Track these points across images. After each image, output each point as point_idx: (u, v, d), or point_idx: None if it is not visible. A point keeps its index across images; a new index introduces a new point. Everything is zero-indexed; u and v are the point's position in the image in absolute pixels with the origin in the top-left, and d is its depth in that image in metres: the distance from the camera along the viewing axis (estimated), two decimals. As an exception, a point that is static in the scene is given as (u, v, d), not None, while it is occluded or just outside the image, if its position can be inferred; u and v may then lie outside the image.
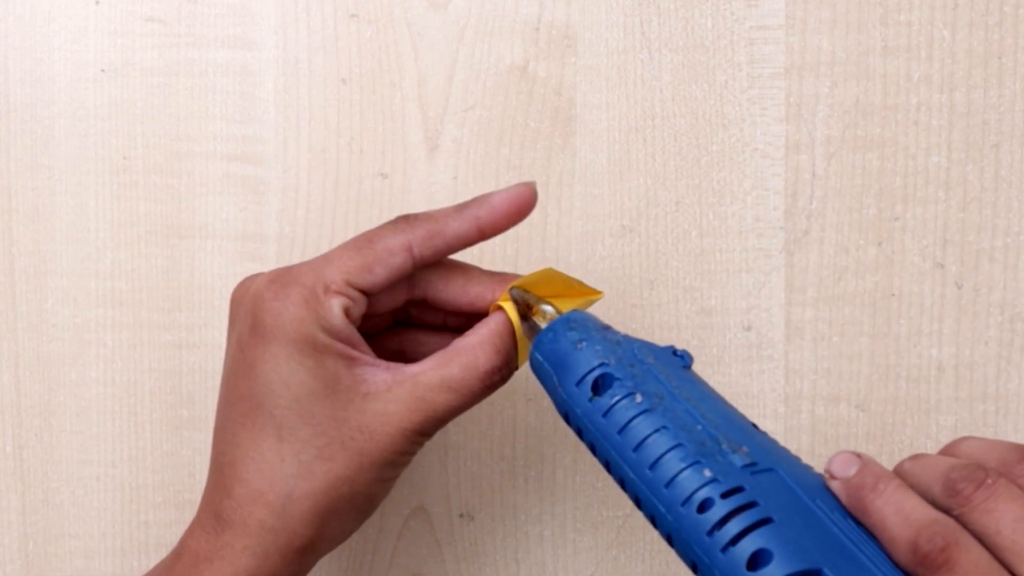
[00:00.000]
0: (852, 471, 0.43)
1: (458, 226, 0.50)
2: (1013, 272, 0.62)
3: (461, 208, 0.50)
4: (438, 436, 0.62)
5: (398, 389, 0.48)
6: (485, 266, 0.62)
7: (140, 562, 0.62)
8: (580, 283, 0.53)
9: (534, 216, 0.62)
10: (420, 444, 0.50)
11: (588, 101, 0.62)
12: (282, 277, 0.49)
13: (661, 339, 0.62)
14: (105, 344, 0.62)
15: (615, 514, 0.63)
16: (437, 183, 0.62)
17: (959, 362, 0.62)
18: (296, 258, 0.61)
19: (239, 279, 0.53)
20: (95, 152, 0.62)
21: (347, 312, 0.49)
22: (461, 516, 0.63)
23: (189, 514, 0.53)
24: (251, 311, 0.49)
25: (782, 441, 0.62)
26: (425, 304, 0.53)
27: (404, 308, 0.53)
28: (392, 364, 0.49)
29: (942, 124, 0.62)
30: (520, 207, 0.51)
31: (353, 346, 0.49)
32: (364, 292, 0.49)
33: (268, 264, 0.62)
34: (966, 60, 0.61)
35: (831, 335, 0.62)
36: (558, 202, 0.62)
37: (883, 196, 0.62)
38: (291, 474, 0.48)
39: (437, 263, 0.52)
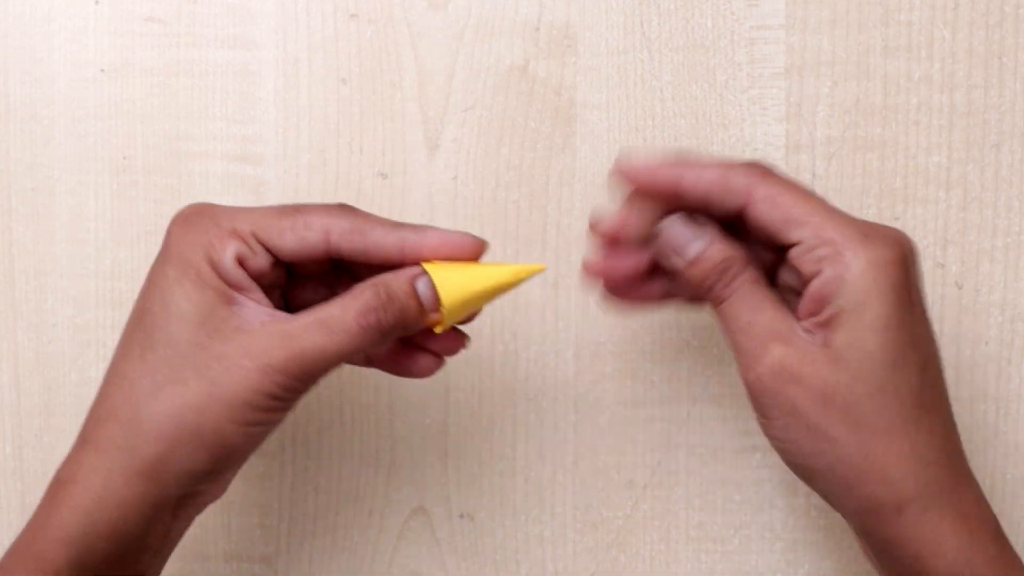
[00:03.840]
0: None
1: (382, 236, 0.49)
2: (1013, 272, 0.62)
3: (398, 225, 0.50)
4: (438, 436, 0.63)
5: (271, 327, 0.48)
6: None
7: (140, 562, 0.62)
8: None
9: (534, 217, 0.62)
10: (286, 391, 0.48)
11: (588, 101, 0.62)
12: (204, 209, 0.50)
13: (662, 340, 0.62)
14: (105, 344, 0.62)
15: (615, 514, 0.63)
16: (437, 183, 0.62)
17: (959, 362, 0.62)
18: (296, 258, 0.61)
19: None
20: (95, 152, 0.62)
21: (241, 259, 0.49)
22: (461, 516, 0.63)
23: (189, 514, 0.53)
24: (169, 231, 0.50)
25: (782, 441, 0.62)
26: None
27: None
28: (277, 312, 0.49)
29: (942, 124, 0.62)
30: (455, 250, 0.50)
31: (239, 290, 0.49)
32: (269, 250, 0.49)
33: (268, 264, 0.62)
34: (967, 60, 0.61)
35: (831, 335, 0.62)
36: (558, 202, 0.62)
37: (883, 196, 0.62)
38: (143, 392, 0.47)
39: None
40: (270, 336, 0.48)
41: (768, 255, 0.52)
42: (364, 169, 0.62)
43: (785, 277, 0.52)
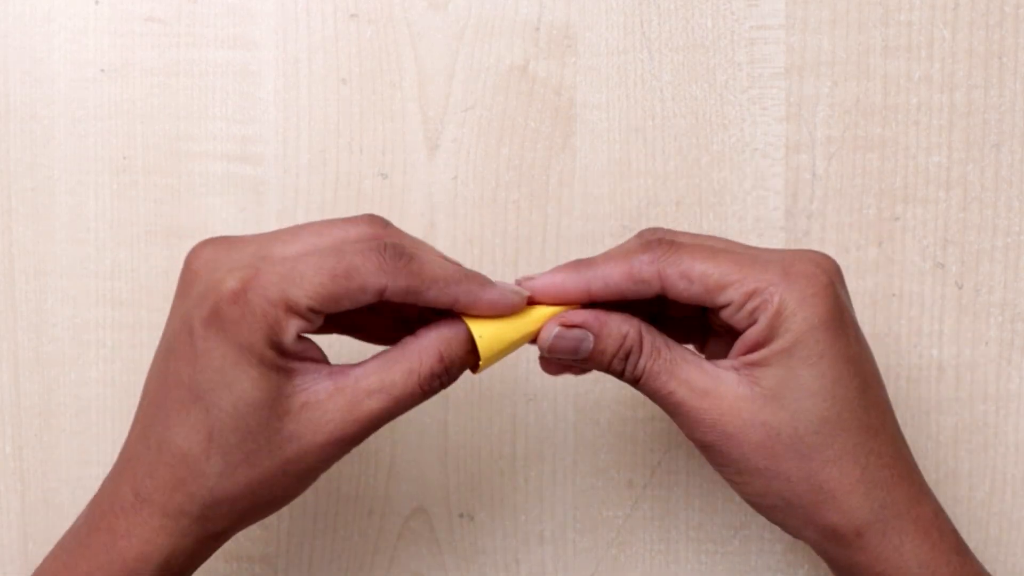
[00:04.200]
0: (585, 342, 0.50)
1: (435, 296, 0.49)
2: (1013, 272, 0.62)
3: (450, 281, 0.49)
4: (438, 436, 0.63)
5: (337, 397, 0.48)
6: (485, 266, 0.62)
7: (140, 562, 0.62)
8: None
9: (534, 217, 0.62)
10: (351, 449, 0.50)
11: (588, 101, 0.62)
12: (248, 281, 0.48)
13: (661, 339, 0.62)
14: (105, 344, 0.62)
15: (615, 514, 0.63)
16: (437, 183, 0.62)
17: (959, 362, 0.62)
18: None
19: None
20: (95, 152, 0.62)
21: (302, 334, 0.48)
22: (461, 516, 0.63)
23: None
24: (211, 301, 0.48)
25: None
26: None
27: None
28: (336, 369, 0.49)
29: (942, 124, 0.62)
30: (502, 312, 0.50)
31: (300, 359, 0.49)
32: (325, 315, 0.49)
33: (268, 264, 0.62)
34: (966, 60, 0.61)
35: (831, 335, 0.62)
36: (558, 202, 0.62)
37: (883, 196, 0.62)
38: (215, 472, 0.48)
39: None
40: (337, 408, 0.48)
41: (692, 311, 0.52)
42: (364, 169, 0.62)
43: (717, 321, 0.52)
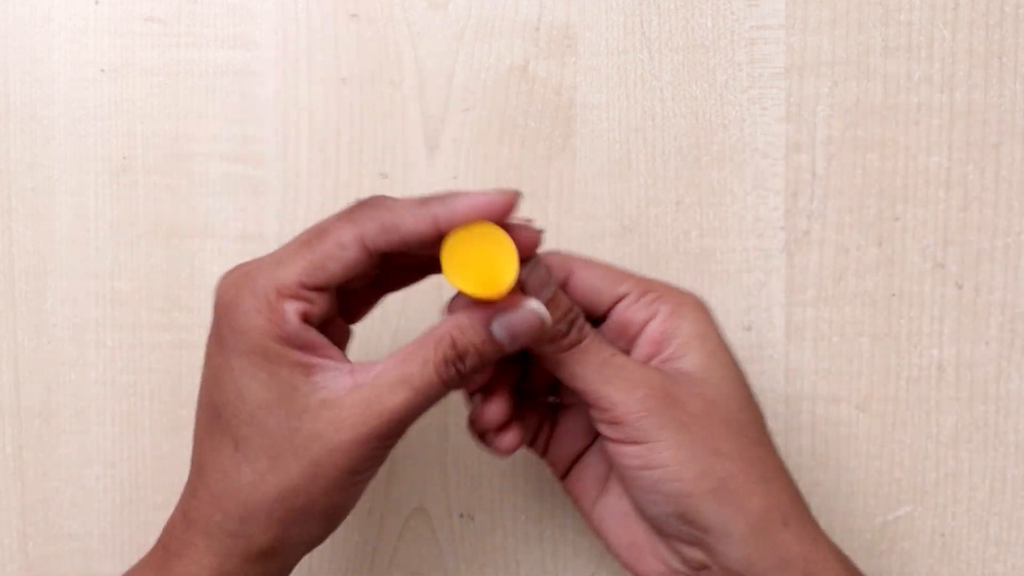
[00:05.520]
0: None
1: (414, 223, 0.48)
2: (1013, 272, 0.62)
3: (423, 203, 0.48)
4: (438, 436, 0.63)
5: (356, 394, 0.48)
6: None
7: (140, 562, 0.62)
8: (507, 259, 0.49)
9: (534, 216, 0.62)
10: (383, 450, 0.49)
11: (588, 101, 0.62)
12: (238, 283, 0.48)
13: (661, 339, 0.62)
14: (105, 344, 0.62)
15: (615, 514, 0.63)
16: (437, 183, 0.62)
17: (959, 362, 0.62)
18: (296, 258, 0.61)
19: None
20: (95, 152, 0.62)
21: (305, 316, 0.48)
22: (461, 516, 0.63)
23: (189, 514, 0.53)
24: (215, 317, 0.49)
25: (782, 441, 0.62)
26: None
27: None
28: (356, 366, 0.48)
29: (942, 124, 0.62)
30: (487, 214, 0.48)
31: (312, 350, 0.48)
32: (321, 289, 0.48)
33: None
34: (966, 60, 0.61)
35: (831, 335, 0.62)
36: (558, 202, 0.62)
37: (883, 196, 0.62)
38: (246, 483, 0.48)
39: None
40: (356, 404, 0.47)
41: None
42: (364, 169, 0.62)
43: (611, 320, 0.53)
